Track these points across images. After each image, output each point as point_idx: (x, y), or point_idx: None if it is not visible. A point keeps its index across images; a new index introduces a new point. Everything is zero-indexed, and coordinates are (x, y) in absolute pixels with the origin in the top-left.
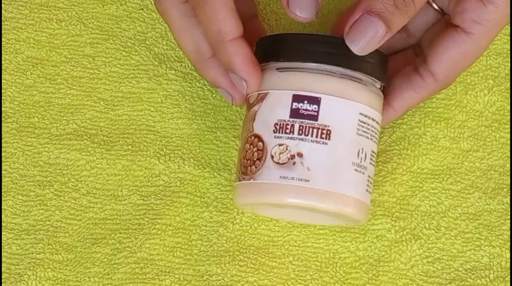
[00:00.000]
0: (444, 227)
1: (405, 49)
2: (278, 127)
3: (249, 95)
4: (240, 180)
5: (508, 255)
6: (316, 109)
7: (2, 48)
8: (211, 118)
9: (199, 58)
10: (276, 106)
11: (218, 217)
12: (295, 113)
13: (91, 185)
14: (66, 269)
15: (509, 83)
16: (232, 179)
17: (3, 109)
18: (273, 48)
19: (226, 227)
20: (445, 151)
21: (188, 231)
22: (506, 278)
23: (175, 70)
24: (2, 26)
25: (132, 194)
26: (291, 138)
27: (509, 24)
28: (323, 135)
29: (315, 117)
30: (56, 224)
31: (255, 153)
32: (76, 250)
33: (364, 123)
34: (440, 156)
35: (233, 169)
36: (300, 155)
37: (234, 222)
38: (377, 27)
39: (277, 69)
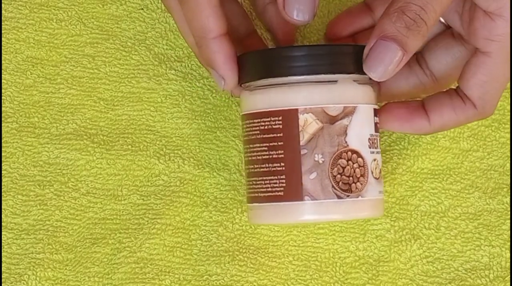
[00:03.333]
0: (444, 226)
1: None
2: (370, 142)
3: (330, 107)
4: (341, 198)
5: (508, 254)
6: (378, 121)
7: (2, 48)
8: (211, 118)
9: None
10: (365, 121)
11: (218, 216)
12: (376, 127)
13: (91, 185)
14: (66, 269)
15: (509, 83)
16: (232, 178)
17: (3, 109)
18: (352, 59)
19: (226, 227)
20: (445, 150)
21: (187, 230)
22: (506, 278)
23: (175, 70)
24: (2, 26)
25: (132, 193)
26: (377, 152)
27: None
28: (380, 145)
29: (378, 129)
30: (56, 224)
31: (357, 170)
32: (76, 250)
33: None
34: (440, 155)
35: (232, 169)
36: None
37: (234, 222)
38: (394, 51)
39: (357, 82)
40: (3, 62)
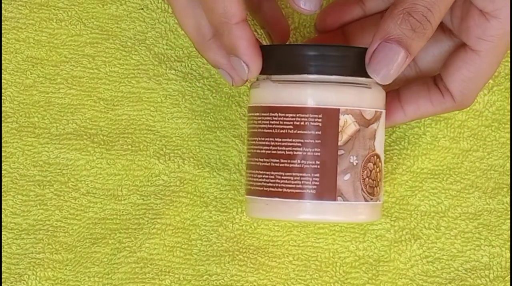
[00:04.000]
0: (444, 226)
1: None
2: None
3: (366, 111)
4: (367, 201)
5: (508, 254)
6: None
7: (2, 48)
8: (211, 118)
9: (200, 38)
10: (384, 127)
11: (218, 216)
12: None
13: (91, 185)
14: (66, 269)
15: (509, 83)
16: (232, 178)
17: (3, 109)
18: None
19: (226, 227)
20: (445, 150)
21: (187, 230)
22: (506, 278)
23: (175, 70)
24: (2, 26)
25: (132, 193)
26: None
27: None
28: None
29: None
30: (56, 224)
31: (378, 174)
32: (76, 250)
33: None
34: (440, 155)
35: (232, 169)
36: None
37: (234, 222)
38: (398, 54)
39: (381, 87)
40: (3, 62)
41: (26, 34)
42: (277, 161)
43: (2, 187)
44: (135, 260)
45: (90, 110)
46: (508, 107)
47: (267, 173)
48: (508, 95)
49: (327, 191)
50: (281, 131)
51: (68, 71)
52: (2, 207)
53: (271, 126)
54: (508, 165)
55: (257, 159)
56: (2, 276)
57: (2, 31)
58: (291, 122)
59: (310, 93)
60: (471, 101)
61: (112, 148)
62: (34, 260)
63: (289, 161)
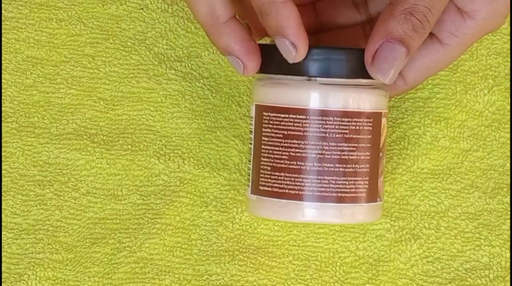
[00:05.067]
0: (443, 226)
1: (354, 26)
2: None
3: (387, 113)
4: (378, 201)
5: (508, 254)
6: None
7: (2, 48)
8: (211, 118)
9: (213, 21)
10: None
11: (218, 216)
12: None
13: (91, 185)
14: (66, 268)
15: (509, 83)
16: (232, 178)
17: (3, 109)
18: None
19: (226, 227)
20: (445, 150)
21: (187, 230)
22: (506, 278)
23: (175, 70)
24: (2, 26)
25: (132, 193)
26: None
27: (509, 24)
28: None
29: None
30: (56, 224)
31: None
32: (76, 250)
33: None
34: (440, 155)
35: (232, 169)
36: None
37: (234, 222)
38: (401, 53)
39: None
40: (3, 62)
41: (26, 34)
42: (331, 165)
43: (2, 187)
44: (135, 260)
45: (90, 110)
46: (508, 107)
47: (319, 177)
48: (508, 95)
49: (373, 193)
50: (336, 136)
51: (68, 71)
52: (2, 207)
53: (324, 130)
54: (508, 165)
55: (302, 163)
56: (2, 276)
57: (2, 31)
58: (347, 127)
59: (364, 98)
60: (419, 84)
61: (112, 148)
62: (34, 260)
63: (343, 166)
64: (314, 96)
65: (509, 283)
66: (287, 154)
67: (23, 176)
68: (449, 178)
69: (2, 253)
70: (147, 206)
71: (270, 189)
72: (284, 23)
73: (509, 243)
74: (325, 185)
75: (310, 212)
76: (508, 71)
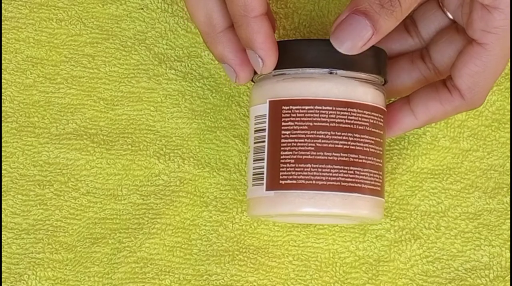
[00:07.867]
0: (443, 226)
1: (412, 52)
2: None
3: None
4: (382, 196)
5: (508, 254)
6: None
7: (2, 47)
8: (211, 117)
9: (210, 30)
10: None
11: (218, 216)
12: None
13: (91, 185)
14: (66, 268)
15: (509, 83)
16: (232, 178)
17: (3, 109)
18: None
19: (226, 227)
20: (444, 150)
21: (187, 230)
22: (506, 278)
23: (175, 70)
24: (2, 26)
25: (132, 193)
26: None
27: (509, 24)
28: None
29: None
30: (56, 224)
31: None
32: (76, 250)
33: None
34: (439, 155)
35: (232, 169)
36: None
37: (234, 222)
38: (363, 26)
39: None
40: (3, 62)
41: (26, 34)
42: (356, 156)
43: (2, 187)
44: (135, 260)
45: (90, 110)
46: (508, 107)
47: (345, 167)
48: (508, 95)
49: (383, 187)
50: (359, 127)
51: (68, 71)
52: (2, 207)
53: (350, 121)
54: (508, 164)
55: (330, 153)
56: (2, 276)
57: (2, 31)
58: (368, 121)
59: (378, 94)
60: (481, 98)
61: (112, 148)
62: (34, 260)
63: (366, 158)
64: (339, 89)
65: (509, 283)
66: (313, 145)
67: (23, 175)
68: (449, 178)
69: (2, 253)
70: (147, 206)
71: (295, 181)
72: (253, 37)
73: (509, 243)
74: (351, 176)
75: (337, 202)
76: (508, 71)
